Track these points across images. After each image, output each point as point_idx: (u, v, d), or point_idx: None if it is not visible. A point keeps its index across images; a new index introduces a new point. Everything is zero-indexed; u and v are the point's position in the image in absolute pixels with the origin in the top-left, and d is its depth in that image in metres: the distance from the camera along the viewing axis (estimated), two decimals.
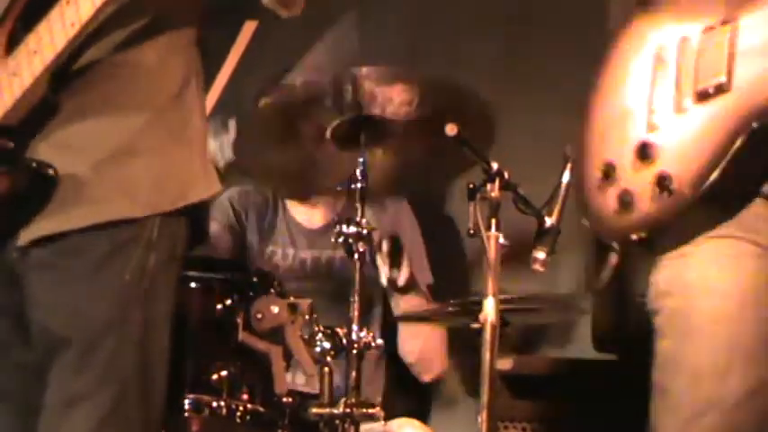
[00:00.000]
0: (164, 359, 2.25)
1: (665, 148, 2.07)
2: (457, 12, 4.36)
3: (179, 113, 2.25)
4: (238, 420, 3.00)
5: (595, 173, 2.15)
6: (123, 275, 2.17)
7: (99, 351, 2.15)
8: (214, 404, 2.99)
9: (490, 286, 2.95)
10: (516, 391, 3.80)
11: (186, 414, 2.98)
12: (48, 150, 2.15)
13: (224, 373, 3.02)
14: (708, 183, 2.02)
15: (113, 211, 2.16)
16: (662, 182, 2.05)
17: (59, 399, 2.15)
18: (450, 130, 2.97)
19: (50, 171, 2.13)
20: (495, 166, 2.98)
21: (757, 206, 2.11)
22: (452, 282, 4.16)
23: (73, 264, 2.16)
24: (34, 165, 2.13)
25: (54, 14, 2.10)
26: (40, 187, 2.14)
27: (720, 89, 2.05)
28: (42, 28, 2.11)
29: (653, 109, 2.11)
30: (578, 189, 2.22)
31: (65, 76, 2.16)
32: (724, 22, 2.04)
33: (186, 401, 2.98)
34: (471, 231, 2.95)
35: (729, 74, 2.04)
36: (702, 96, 2.06)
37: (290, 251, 3.93)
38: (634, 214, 2.08)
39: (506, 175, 2.98)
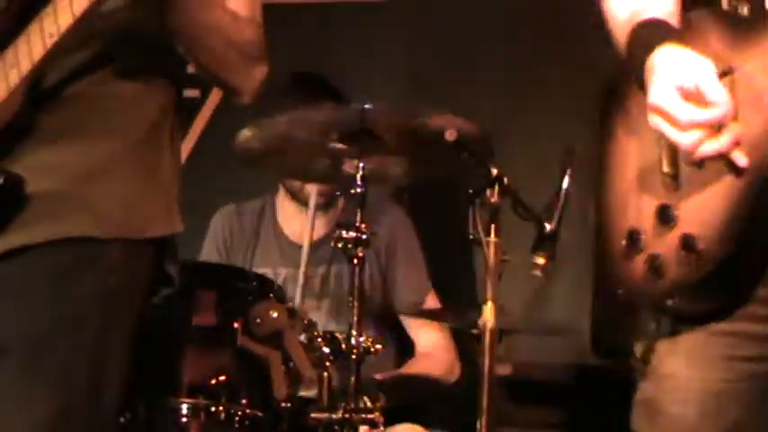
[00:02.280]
0: (119, 365, 2.19)
1: (684, 209, 2.03)
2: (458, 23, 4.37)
3: (151, 148, 2.24)
4: (237, 425, 3.00)
5: (620, 241, 2.10)
6: (81, 289, 2.14)
7: (46, 362, 2.10)
8: (213, 409, 2.99)
9: (489, 292, 2.95)
10: (515, 396, 3.80)
11: (185, 419, 2.98)
12: (19, 171, 2.13)
13: (223, 377, 3.01)
14: (734, 239, 1.98)
15: (78, 227, 2.14)
16: (687, 243, 2.00)
17: (6, 403, 2.10)
18: (450, 135, 2.97)
19: (18, 182, 2.12)
20: (494, 171, 2.98)
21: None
22: (451, 287, 4.16)
23: (29, 277, 2.14)
24: (2, 178, 2.12)
25: (33, 27, 2.09)
26: (7, 199, 2.12)
27: None
28: (21, 41, 2.10)
29: (665, 170, 2.07)
30: (606, 260, 2.15)
31: (42, 99, 2.14)
32: (723, 74, 2.01)
33: (185, 406, 2.98)
34: (471, 236, 2.95)
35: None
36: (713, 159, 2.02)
37: (282, 271, 3.88)
38: (665, 280, 2.03)
39: (506, 180, 2.98)
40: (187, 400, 2.98)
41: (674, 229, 2.03)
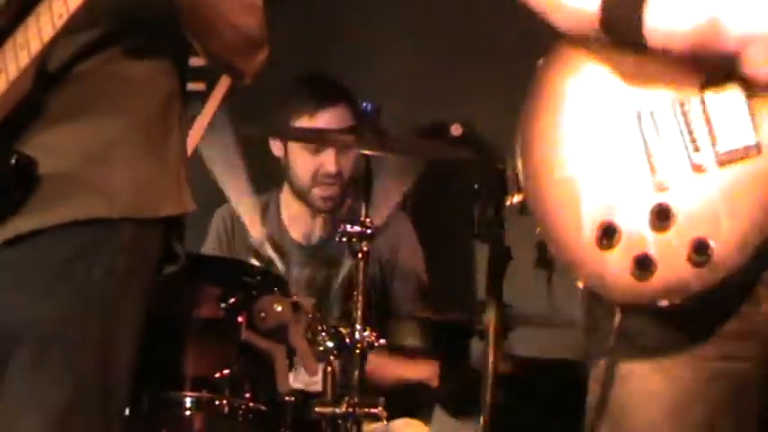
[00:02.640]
0: (127, 364, 2.21)
1: (687, 212, 1.97)
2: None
3: (159, 129, 2.25)
4: (240, 419, 3.00)
5: (585, 233, 2.02)
6: (90, 275, 2.15)
7: (56, 350, 2.12)
8: (216, 402, 2.99)
9: (493, 288, 2.96)
10: (518, 393, 3.80)
11: (189, 412, 2.98)
12: (28, 152, 2.14)
13: (227, 371, 3.01)
14: (752, 250, 1.93)
15: (89, 209, 2.15)
16: (700, 249, 1.94)
17: (16, 398, 2.12)
18: (455, 130, 2.98)
19: (31, 165, 2.12)
20: (499, 166, 2.98)
21: None
22: (454, 284, 4.16)
23: (39, 262, 2.14)
24: (15, 158, 2.12)
25: (42, 7, 2.09)
26: (21, 182, 2.13)
27: (749, 151, 1.99)
28: (31, 21, 2.10)
29: (657, 169, 2.01)
30: (562, 249, 2.05)
31: (51, 80, 2.15)
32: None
33: (188, 400, 2.98)
34: (476, 232, 2.96)
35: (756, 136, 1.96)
36: (727, 159, 1.97)
37: (283, 269, 3.87)
38: (657, 280, 1.97)
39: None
40: (191, 394, 2.98)
41: (673, 231, 1.99)
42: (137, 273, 2.21)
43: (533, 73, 2.18)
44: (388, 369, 3.80)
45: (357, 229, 3.10)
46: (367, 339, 3.06)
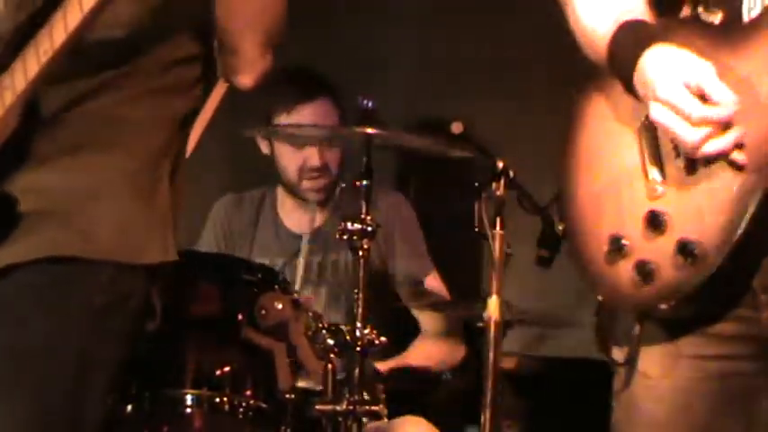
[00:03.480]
0: (97, 409, 2.15)
1: (675, 215, 2.02)
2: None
3: (149, 176, 2.22)
4: (241, 416, 3.00)
5: (601, 247, 2.08)
6: (66, 306, 2.12)
7: (25, 383, 2.09)
8: (217, 400, 2.99)
9: (494, 285, 2.96)
10: (520, 389, 3.80)
11: (189, 410, 2.98)
12: (12, 190, 2.12)
13: (227, 369, 3.02)
14: (732, 243, 1.96)
15: (66, 247, 2.11)
16: (684, 248, 1.98)
17: None
18: (456, 128, 2.98)
19: (11, 202, 2.11)
20: (500, 164, 2.98)
21: None
22: (456, 281, 4.16)
23: (15, 292, 2.12)
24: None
25: (29, 48, 2.07)
26: (1, 218, 2.12)
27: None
28: (17, 63, 2.09)
29: (650, 177, 2.05)
30: (582, 265, 2.12)
31: (42, 121, 2.14)
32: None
33: (189, 397, 2.98)
34: (476, 230, 2.96)
35: None
36: (711, 158, 1.99)
37: (279, 260, 3.86)
38: (657, 284, 2.02)
39: (512, 173, 2.98)
40: (191, 391, 2.98)
41: (666, 235, 2.02)
42: (115, 313, 2.15)
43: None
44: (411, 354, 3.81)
45: (357, 226, 3.10)
46: (368, 337, 3.06)
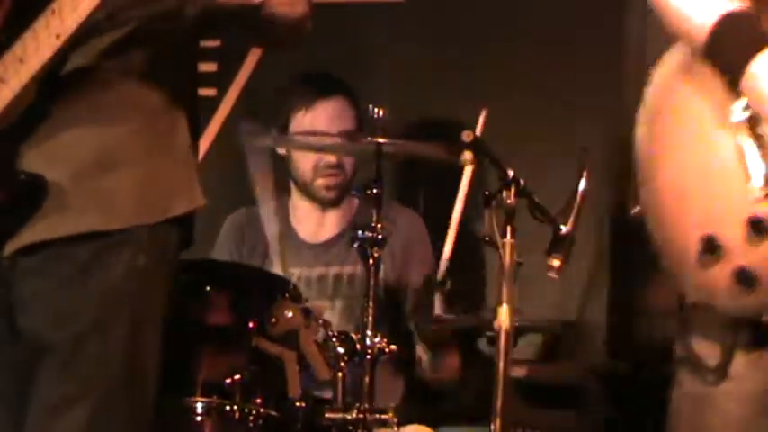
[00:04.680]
0: (153, 361, 2.25)
1: None
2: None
3: (166, 121, 2.27)
4: (251, 425, 3.00)
5: (689, 246, 2.00)
6: (111, 276, 2.18)
7: (84, 354, 2.15)
8: (227, 408, 2.99)
9: (505, 294, 2.95)
10: (530, 398, 3.80)
11: (199, 418, 2.99)
12: (34, 158, 2.17)
13: (238, 377, 3.02)
14: None
15: (89, 223, 2.17)
16: None
17: (46, 403, 2.16)
18: (467, 136, 2.97)
19: (39, 182, 2.15)
20: (510, 172, 2.98)
21: None
22: (464, 289, 4.15)
23: (59, 268, 2.17)
24: (23, 177, 2.15)
25: (39, 24, 2.11)
26: (29, 198, 2.15)
27: None
28: (29, 37, 2.12)
29: (754, 179, 1.97)
30: (668, 263, 2.06)
31: (54, 82, 2.16)
32: None
33: (199, 405, 2.99)
34: (486, 238, 2.95)
35: None
36: None
37: (294, 271, 3.86)
38: (760, 294, 1.96)
39: (522, 182, 2.98)
40: (201, 399, 2.99)
41: None
42: (157, 270, 2.23)
43: (647, 79, 2.16)
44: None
45: (369, 234, 3.10)
46: (378, 345, 3.06)
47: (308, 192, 3.93)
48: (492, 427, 2.92)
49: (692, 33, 2.05)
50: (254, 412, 3.00)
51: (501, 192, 2.97)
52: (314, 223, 3.97)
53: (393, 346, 3.11)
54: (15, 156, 2.16)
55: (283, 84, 4.00)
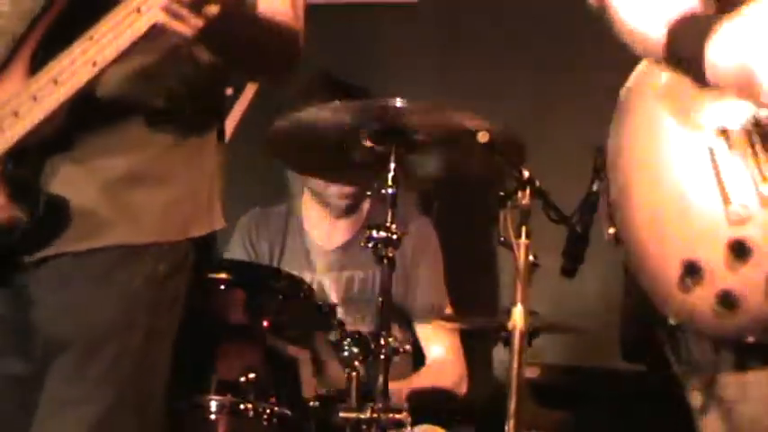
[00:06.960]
0: (164, 369, 2.26)
1: (759, 242, 1.91)
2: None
3: (197, 138, 2.30)
4: (265, 423, 3.01)
5: (669, 269, 1.98)
6: (132, 282, 2.20)
7: (99, 356, 2.17)
8: (241, 406, 3.00)
9: (519, 294, 2.95)
10: (543, 399, 3.79)
11: (213, 416, 2.99)
12: (67, 172, 2.19)
13: (252, 375, 3.02)
14: None
15: (117, 236, 2.20)
16: None
17: (54, 402, 2.16)
18: (482, 137, 2.97)
19: (62, 204, 2.18)
20: (526, 173, 2.98)
21: None
22: (477, 290, 4.16)
23: (82, 270, 2.19)
24: (45, 198, 2.17)
25: (77, 49, 2.12)
26: (52, 219, 2.18)
27: None
28: (65, 59, 2.13)
29: (733, 200, 1.94)
30: (647, 283, 2.02)
31: (88, 99, 2.18)
32: None
33: (213, 403, 2.99)
34: (501, 239, 2.96)
35: None
36: None
37: (308, 275, 3.86)
38: (742, 316, 1.93)
39: (537, 183, 2.98)
40: (216, 398, 3.00)
41: (752, 264, 1.93)
42: (175, 283, 2.25)
43: (618, 98, 2.14)
44: (414, 379, 3.81)
45: (383, 234, 3.10)
46: (391, 345, 3.06)
47: (321, 197, 3.94)
48: (506, 428, 2.93)
49: (654, 50, 2.02)
50: (267, 411, 3.01)
51: (516, 193, 2.97)
52: (327, 228, 3.97)
53: (408, 347, 3.12)
54: (45, 171, 2.19)
55: (300, 85, 4.01)
